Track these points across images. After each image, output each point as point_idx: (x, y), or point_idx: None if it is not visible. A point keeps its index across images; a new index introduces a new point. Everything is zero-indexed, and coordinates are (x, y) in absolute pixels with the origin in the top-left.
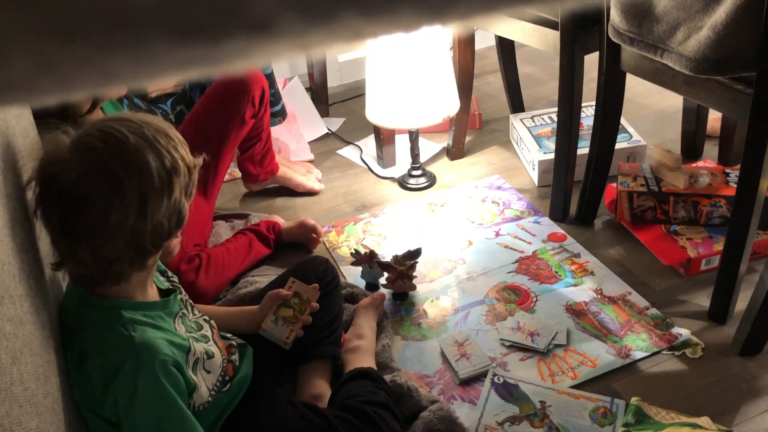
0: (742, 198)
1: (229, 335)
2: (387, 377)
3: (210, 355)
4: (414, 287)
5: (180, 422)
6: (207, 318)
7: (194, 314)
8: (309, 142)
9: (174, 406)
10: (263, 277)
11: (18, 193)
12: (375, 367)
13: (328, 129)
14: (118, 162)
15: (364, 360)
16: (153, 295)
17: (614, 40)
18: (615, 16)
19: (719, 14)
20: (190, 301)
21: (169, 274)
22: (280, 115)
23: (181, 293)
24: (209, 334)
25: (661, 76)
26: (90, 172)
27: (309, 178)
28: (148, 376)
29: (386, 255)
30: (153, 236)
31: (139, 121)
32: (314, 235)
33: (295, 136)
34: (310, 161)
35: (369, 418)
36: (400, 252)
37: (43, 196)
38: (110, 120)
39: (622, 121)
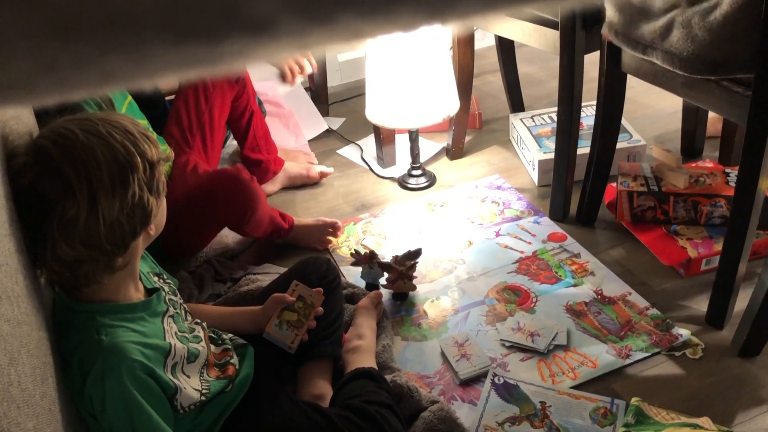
0: (741, 199)
1: (227, 337)
2: (387, 377)
3: (192, 358)
4: (414, 287)
5: (149, 426)
6: (198, 321)
7: (188, 320)
8: (309, 141)
9: (141, 410)
10: (265, 276)
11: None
12: (376, 367)
13: (329, 127)
14: (67, 161)
15: (365, 360)
16: (137, 296)
17: (612, 40)
18: (611, 16)
19: (715, 15)
20: (185, 306)
21: (165, 276)
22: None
23: (175, 295)
24: (201, 335)
25: (661, 78)
26: (42, 174)
27: (308, 167)
28: (114, 380)
29: (386, 255)
30: (111, 235)
31: (97, 119)
32: (330, 230)
33: (295, 136)
34: None
35: (371, 418)
36: (400, 252)
37: (12, 197)
38: (67, 120)
39: (623, 120)
